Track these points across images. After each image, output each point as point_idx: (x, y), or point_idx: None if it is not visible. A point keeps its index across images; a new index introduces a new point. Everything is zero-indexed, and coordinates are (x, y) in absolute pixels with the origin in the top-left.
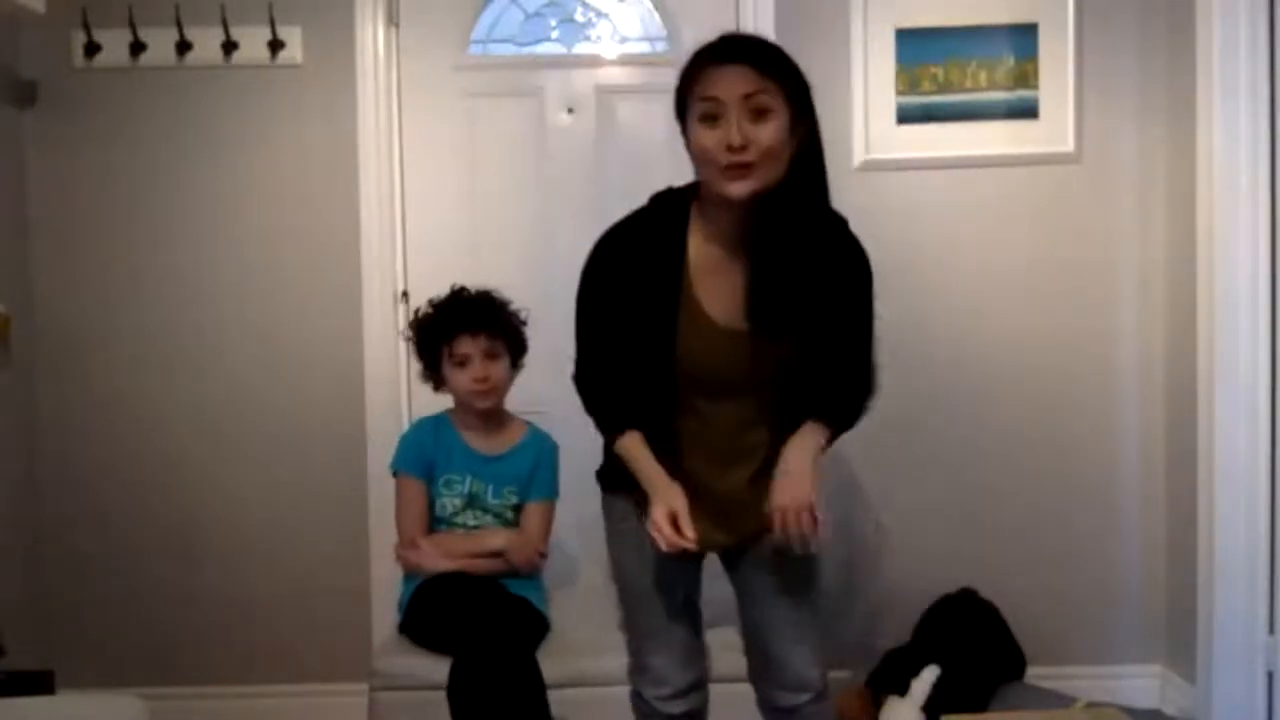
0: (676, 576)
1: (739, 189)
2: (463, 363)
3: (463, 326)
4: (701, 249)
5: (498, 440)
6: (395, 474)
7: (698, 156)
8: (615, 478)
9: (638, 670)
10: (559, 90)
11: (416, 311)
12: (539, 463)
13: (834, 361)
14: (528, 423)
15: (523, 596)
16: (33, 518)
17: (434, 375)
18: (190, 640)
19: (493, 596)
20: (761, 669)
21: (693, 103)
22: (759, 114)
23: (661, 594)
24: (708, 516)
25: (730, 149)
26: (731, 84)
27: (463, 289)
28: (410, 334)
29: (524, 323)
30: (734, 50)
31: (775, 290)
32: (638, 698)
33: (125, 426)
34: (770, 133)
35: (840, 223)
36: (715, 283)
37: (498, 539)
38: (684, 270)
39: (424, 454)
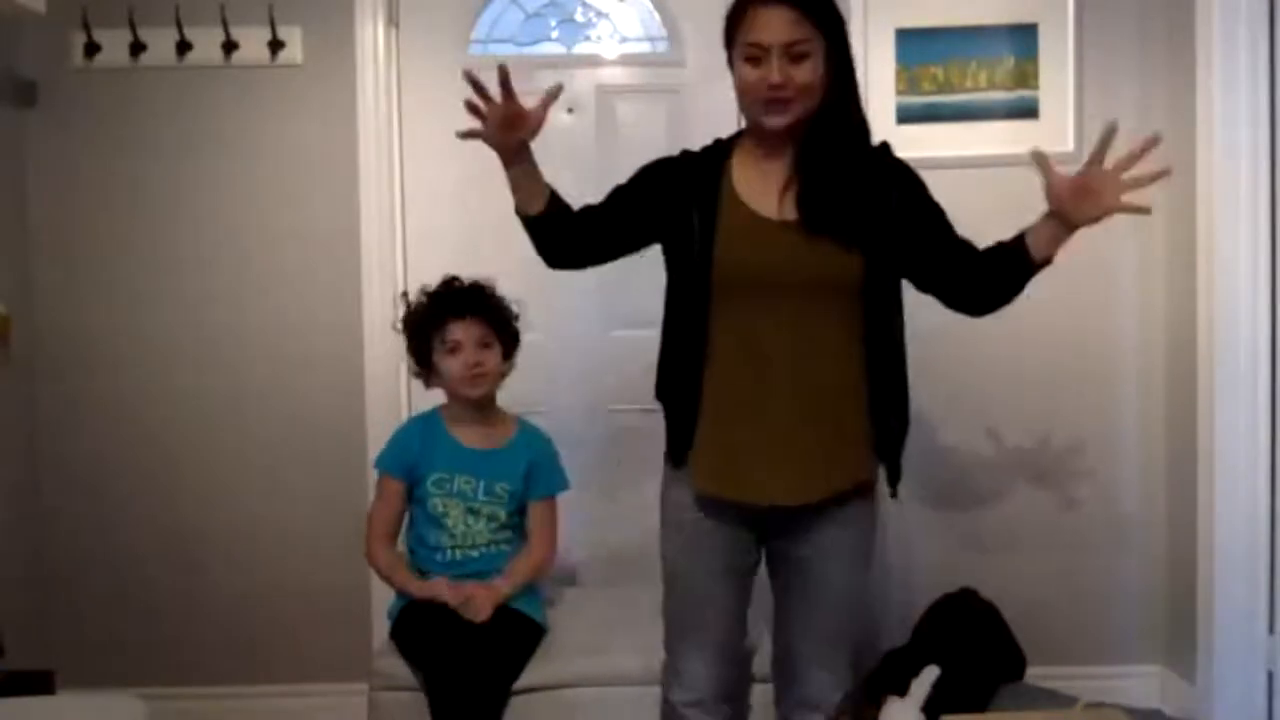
0: (727, 571)
1: (776, 121)
2: (455, 349)
3: (455, 312)
4: (744, 162)
5: (488, 435)
6: (378, 470)
7: (740, 90)
8: (680, 452)
9: (671, 673)
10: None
11: (408, 304)
12: (536, 460)
13: (960, 251)
14: (520, 419)
15: (514, 609)
16: (33, 518)
17: (425, 369)
18: (190, 640)
19: (471, 635)
20: (783, 676)
21: (738, 44)
22: (798, 58)
23: (709, 586)
24: (764, 463)
25: (770, 86)
26: (774, 30)
27: (455, 278)
28: (403, 326)
29: (517, 316)
30: None
31: (823, 180)
32: (667, 705)
33: (125, 427)
34: (807, 73)
35: (884, 146)
36: (756, 184)
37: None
38: (724, 175)
39: (408, 455)
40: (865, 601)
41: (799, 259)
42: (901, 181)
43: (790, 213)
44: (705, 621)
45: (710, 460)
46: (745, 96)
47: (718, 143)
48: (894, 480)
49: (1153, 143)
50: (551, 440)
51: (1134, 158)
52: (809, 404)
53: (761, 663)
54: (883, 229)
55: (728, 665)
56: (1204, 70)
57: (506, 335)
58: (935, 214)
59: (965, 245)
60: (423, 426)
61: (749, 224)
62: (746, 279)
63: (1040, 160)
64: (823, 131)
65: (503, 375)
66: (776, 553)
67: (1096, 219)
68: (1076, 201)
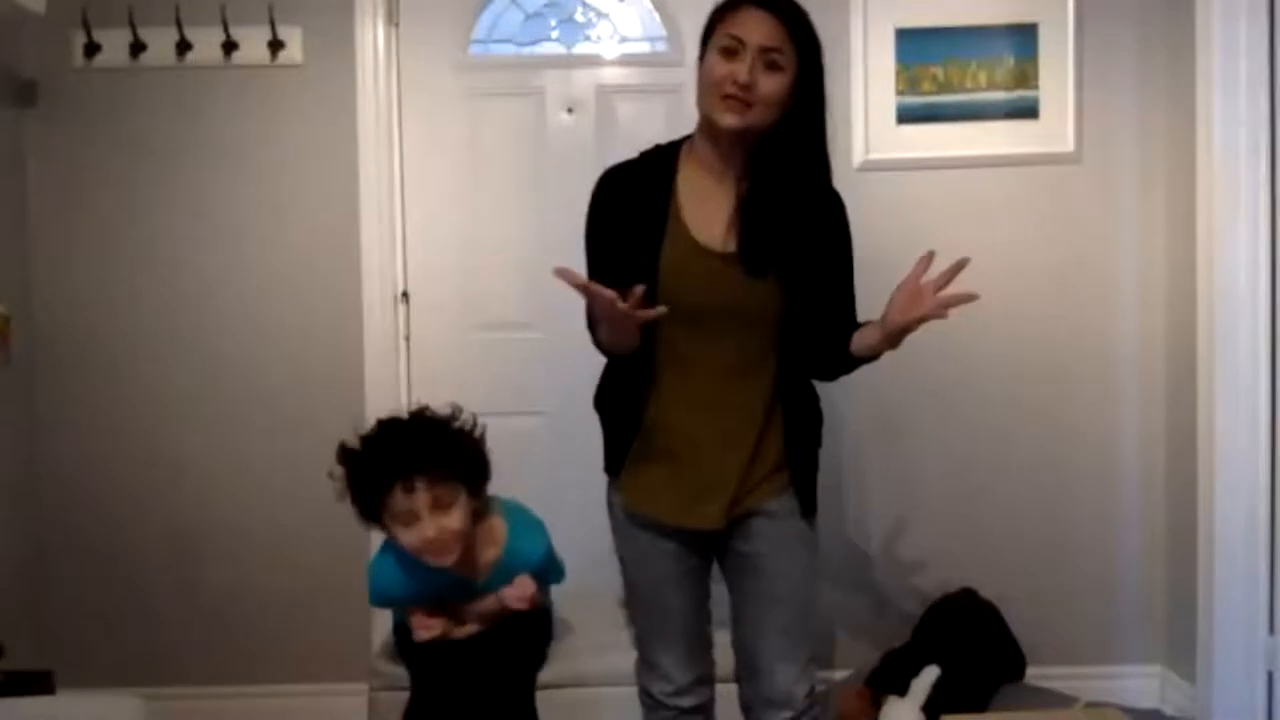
0: (683, 574)
1: (730, 120)
2: (407, 522)
3: (399, 474)
4: (691, 179)
5: (475, 562)
6: (377, 605)
7: (704, 81)
8: (614, 466)
9: (644, 665)
10: (559, 90)
11: (343, 445)
12: (531, 572)
13: (842, 311)
14: (507, 517)
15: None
16: (33, 518)
17: (378, 525)
18: (190, 640)
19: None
20: (747, 676)
21: (718, 35)
22: (771, 66)
23: (667, 592)
24: (688, 486)
25: (736, 83)
26: (758, 30)
27: (394, 418)
28: (343, 482)
29: (481, 436)
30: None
31: (764, 214)
32: (645, 693)
33: (125, 427)
34: (774, 86)
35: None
36: (702, 207)
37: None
38: (671, 196)
39: (394, 588)
40: (814, 594)
41: (739, 292)
42: (836, 224)
43: (733, 244)
44: (669, 620)
45: (639, 480)
46: (707, 89)
47: (658, 149)
48: (809, 509)
49: (960, 266)
50: (543, 537)
51: (947, 277)
52: (736, 431)
53: (723, 662)
54: (809, 262)
55: (699, 652)
56: (1204, 70)
57: (473, 475)
58: (844, 266)
59: (847, 315)
60: (396, 557)
61: (692, 253)
62: (688, 308)
63: (923, 259)
64: (774, 162)
65: (476, 514)
66: (725, 550)
67: (909, 323)
68: (903, 303)
